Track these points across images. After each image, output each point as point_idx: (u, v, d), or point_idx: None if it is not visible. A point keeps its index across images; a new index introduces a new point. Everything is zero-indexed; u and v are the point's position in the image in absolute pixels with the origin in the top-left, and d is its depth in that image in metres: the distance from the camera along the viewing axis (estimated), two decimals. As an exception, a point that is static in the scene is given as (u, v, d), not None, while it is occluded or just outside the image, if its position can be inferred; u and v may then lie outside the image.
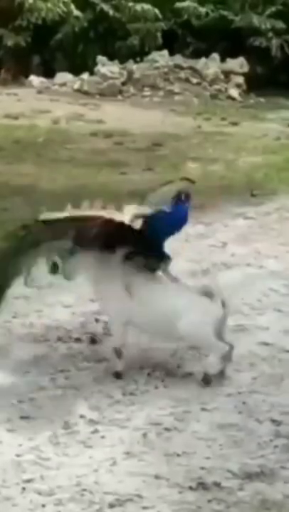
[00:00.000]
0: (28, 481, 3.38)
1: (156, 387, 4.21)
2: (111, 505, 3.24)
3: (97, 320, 4.93)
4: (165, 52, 18.30)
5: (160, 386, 4.23)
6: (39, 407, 3.94)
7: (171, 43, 19.17)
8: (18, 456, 3.55)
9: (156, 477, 3.43)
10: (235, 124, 13.37)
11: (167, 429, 3.80)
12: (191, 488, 3.35)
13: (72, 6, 19.08)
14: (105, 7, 19.38)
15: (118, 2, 19.56)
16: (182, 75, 17.76)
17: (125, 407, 3.99)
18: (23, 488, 3.33)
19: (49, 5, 18.95)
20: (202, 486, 3.36)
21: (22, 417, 3.83)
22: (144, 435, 3.74)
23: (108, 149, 10.74)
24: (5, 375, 4.23)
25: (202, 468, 3.49)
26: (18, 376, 4.24)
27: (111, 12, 19.37)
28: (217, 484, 3.38)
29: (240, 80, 18.08)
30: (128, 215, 4.36)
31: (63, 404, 3.98)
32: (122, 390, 4.17)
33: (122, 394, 4.12)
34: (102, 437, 3.72)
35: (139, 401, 4.06)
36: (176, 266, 5.89)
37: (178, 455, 3.59)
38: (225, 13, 19.44)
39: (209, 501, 3.28)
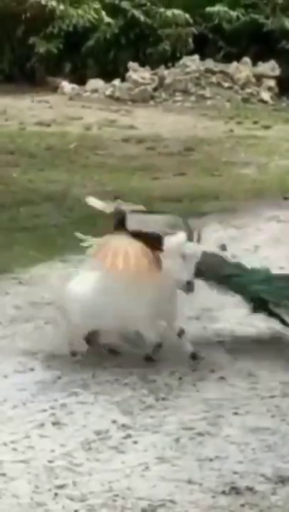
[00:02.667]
0: (61, 486, 3.38)
1: (188, 392, 4.20)
2: (144, 511, 3.22)
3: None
4: (196, 57, 18.26)
5: (192, 390, 4.22)
6: (71, 412, 3.95)
7: (203, 47, 19.13)
8: (50, 461, 3.55)
9: (189, 482, 3.41)
10: (267, 127, 13.31)
11: (200, 434, 3.78)
12: (223, 492, 3.33)
13: (104, 13, 19.12)
14: (136, 13, 19.39)
15: (149, 8, 19.57)
16: (214, 79, 17.71)
17: (157, 412, 3.98)
18: (56, 494, 3.33)
19: (80, 12, 19.01)
20: (235, 490, 3.34)
21: (54, 423, 3.83)
22: (177, 440, 3.73)
23: (140, 154, 10.75)
24: (37, 381, 4.24)
25: (235, 472, 3.47)
26: (49, 382, 4.25)
27: (142, 18, 19.38)
28: (250, 489, 3.35)
29: (272, 83, 18.00)
30: None
31: (95, 409, 3.97)
32: (154, 394, 4.16)
33: (154, 399, 4.11)
34: (135, 442, 3.71)
35: (171, 406, 4.05)
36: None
37: (210, 460, 3.57)
38: (256, 16, 19.36)
39: (242, 506, 3.25)
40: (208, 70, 17.87)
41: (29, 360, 4.49)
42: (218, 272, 4.87)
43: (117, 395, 4.12)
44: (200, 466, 3.53)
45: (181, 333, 4.52)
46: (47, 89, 17.65)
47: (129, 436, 3.76)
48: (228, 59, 18.57)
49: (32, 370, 4.38)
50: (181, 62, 18.20)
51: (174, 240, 4.38)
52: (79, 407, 3.98)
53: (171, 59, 18.70)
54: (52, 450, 3.63)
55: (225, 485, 3.37)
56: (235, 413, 3.96)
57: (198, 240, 4.43)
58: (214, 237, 7.00)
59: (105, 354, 4.54)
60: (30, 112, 14.38)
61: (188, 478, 3.43)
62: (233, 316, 5.19)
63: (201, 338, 4.85)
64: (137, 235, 4.45)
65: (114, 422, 3.87)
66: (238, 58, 18.35)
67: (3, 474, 3.45)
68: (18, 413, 3.95)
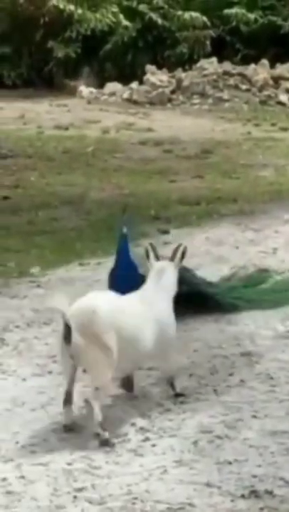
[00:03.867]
0: (80, 489, 3.38)
1: (207, 395, 4.19)
2: (162, 514, 3.22)
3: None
4: (214, 59, 18.24)
5: (211, 393, 4.21)
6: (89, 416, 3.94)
7: (220, 50, 19.12)
8: (69, 464, 3.55)
9: (208, 485, 3.41)
10: (285, 129, 13.26)
11: (218, 437, 3.78)
12: (242, 496, 3.32)
13: (121, 16, 19.13)
14: (154, 16, 19.40)
15: (167, 11, 19.57)
16: (231, 81, 17.68)
17: (176, 415, 3.98)
18: (75, 497, 3.33)
19: (98, 16, 19.03)
20: (254, 494, 3.33)
21: (73, 426, 3.83)
22: (195, 443, 3.73)
23: (157, 157, 10.74)
24: (56, 384, 4.25)
25: (254, 476, 3.46)
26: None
27: (160, 21, 19.38)
28: (269, 492, 3.34)
29: (290, 85, 17.95)
30: None
31: (114, 412, 3.97)
32: (173, 398, 4.15)
33: (172, 402, 4.10)
34: (153, 445, 3.71)
35: (189, 409, 4.04)
36: (226, 273, 5.90)
37: (229, 463, 3.56)
38: (274, 18, 19.33)
39: (261, 509, 3.25)
40: (226, 73, 17.84)
41: (48, 363, 4.50)
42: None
43: (135, 398, 4.11)
44: (219, 469, 3.53)
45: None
46: (65, 93, 17.69)
47: (147, 439, 3.76)
48: (245, 61, 18.54)
49: (50, 373, 4.39)
50: (198, 64, 18.18)
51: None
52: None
53: (188, 61, 18.69)
54: (71, 453, 3.64)
55: (244, 488, 3.37)
56: (254, 416, 3.95)
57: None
58: (231, 240, 7.00)
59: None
60: (48, 115, 14.41)
61: (206, 482, 3.43)
62: (251, 318, 5.18)
63: (218, 342, 4.85)
64: None
65: (132, 425, 3.87)
66: (255, 60, 18.31)
67: (23, 477, 3.46)
68: (37, 416, 3.96)
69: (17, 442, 3.72)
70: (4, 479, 3.44)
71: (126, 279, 4.46)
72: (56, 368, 4.37)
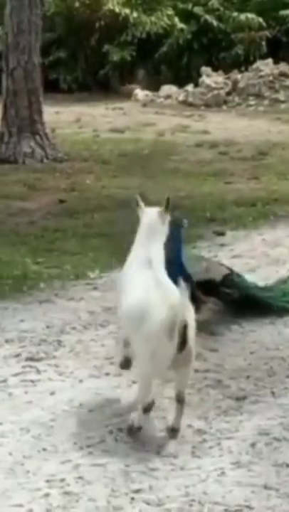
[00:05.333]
0: (137, 491, 3.38)
1: (264, 397, 4.17)
2: (220, 516, 3.21)
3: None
4: (270, 60, 18.15)
5: (268, 396, 4.18)
6: (146, 417, 3.95)
7: (276, 50, 19.02)
8: (126, 465, 3.56)
9: (266, 487, 3.39)
10: None
11: (276, 439, 3.75)
12: (301, 499, 3.30)
13: (176, 19, 19.16)
14: (209, 18, 19.37)
15: (222, 12, 19.53)
16: (287, 82, 17.58)
17: (233, 417, 3.96)
18: (132, 498, 3.34)
19: (153, 19, 19.08)
20: (312, 497, 3.30)
21: (130, 428, 3.84)
22: (253, 445, 3.71)
23: (213, 159, 10.72)
24: (113, 386, 4.26)
25: (312, 479, 3.43)
26: (125, 386, 4.26)
27: (215, 23, 19.35)
28: None
29: None
30: None
31: (171, 414, 3.96)
32: (230, 399, 4.14)
33: (229, 404, 4.09)
34: (210, 447, 3.70)
35: (247, 411, 4.02)
36: (282, 274, 5.85)
37: (287, 465, 3.54)
38: None
39: None
40: (282, 74, 17.74)
41: (104, 365, 4.51)
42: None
43: (192, 400, 4.11)
44: (277, 471, 3.50)
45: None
46: (120, 97, 17.76)
47: (204, 441, 3.75)
48: (302, 62, 18.41)
49: (107, 374, 4.41)
50: (254, 66, 18.11)
51: None
52: (155, 413, 3.98)
53: (244, 63, 18.64)
54: (127, 454, 3.64)
55: (302, 491, 3.34)
56: (312, 418, 3.92)
57: None
58: (288, 241, 6.95)
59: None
60: (104, 119, 14.48)
61: (264, 484, 3.41)
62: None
63: (275, 343, 4.82)
64: None
65: (189, 426, 3.87)
66: (312, 61, 18.18)
67: (80, 478, 3.48)
68: (93, 417, 3.98)
69: (75, 443, 3.74)
70: (62, 480, 3.46)
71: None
72: (113, 369, 4.39)
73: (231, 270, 5.30)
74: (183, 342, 3.61)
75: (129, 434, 3.75)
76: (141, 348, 3.72)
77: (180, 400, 3.78)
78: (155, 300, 3.70)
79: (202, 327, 4.99)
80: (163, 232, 4.09)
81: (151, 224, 4.08)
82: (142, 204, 4.16)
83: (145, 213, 4.15)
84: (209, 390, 4.24)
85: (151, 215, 4.12)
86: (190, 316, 3.68)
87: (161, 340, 3.61)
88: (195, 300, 4.93)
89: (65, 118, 14.36)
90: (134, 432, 3.74)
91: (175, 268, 4.44)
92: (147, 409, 3.77)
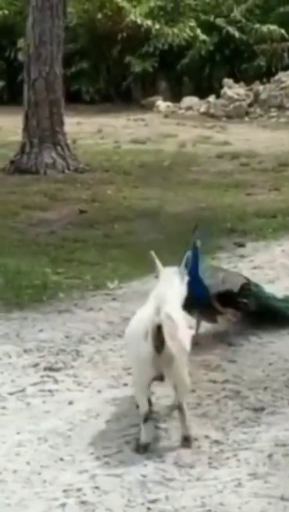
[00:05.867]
0: (153, 501, 3.38)
1: (282, 408, 4.16)
2: (236, 527, 3.21)
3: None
4: (292, 72, 18.16)
5: (286, 407, 4.17)
6: (164, 429, 3.95)
7: (298, 62, 19.02)
8: (143, 476, 3.56)
9: (283, 499, 3.38)
10: None
11: (294, 451, 3.74)
12: None
13: (199, 30, 19.19)
14: (231, 29, 19.39)
15: (244, 24, 19.54)
16: (309, 94, 17.58)
17: (251, 428, 3.95)
18: (148, 508, 3.34)
19: (175, 30, 19.12)
20: None
21: (137, 446, 3.83)
22: (270, 456, 3.70)
23: (234, 171, 10.72)
24: (130, 396, 4.27)
25: None
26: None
27: (237, 34, 19.36)
28: None
29: None
30: None
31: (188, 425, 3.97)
32: (248, 410, 4.13)
33: (247, 415, 4.08)
34: (227, 458, 3.70)
35: (264, 422, 4.02)
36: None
37: (304, 477, 3.53)
38: None
39: None
40: (304, 85, 17.72)
41: (122, 375, 4.52)
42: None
43: (210, 411, 4.11)
44: (294, 483, 3.49)
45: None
46: (142, 108, 17.81)
47: (221, 451, 3.75)
48: None
49: (125, 385, 4.41)
50: (276, 77, 18.09)
51: None
52: (172, 424, 3.98)
53: (266, 74, 18.62)
54: (144, 464, 3.64)
55: None
56: None
57: None
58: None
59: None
60: (125, 130, 14.52)
61: (281, 495, 3.40)
62: None
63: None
64: None
65: (206, 437, 3.86)
66: None
67: (97, 487, 3.48)
68: (111, 428, 3.98)
69: (91, 453, 3.75)
70: (79, 489, 3.47)
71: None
72: (130, 380, 4.39)
73: (248, 280, 5.30)
74: (160, 343, 3.63)
75: (138, 452, 3.73)
76: (127, 353, 3.89)
77: (180, 408, 3.79)
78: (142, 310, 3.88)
79: (221, 338, 5.04)
80: (181, 291, 4.14)
81: (169, 284, 4.07)
82: (159, 265, 4.13)
83: (163, 273, 4.13)
84: (227, 400, 4.23)
85: (170, 275, 4.12)
86: (171, 316, 3.72)
87: (139, 341, 3.70)
88: (213, 311, 4.97)
89: (86, 129, 14.41)
90: (142, 449, 3.73)
91: (192, 281, 4.46)
92: (146, 418, 3.75)
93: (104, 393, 4.34)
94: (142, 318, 3.80)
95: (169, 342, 3.64)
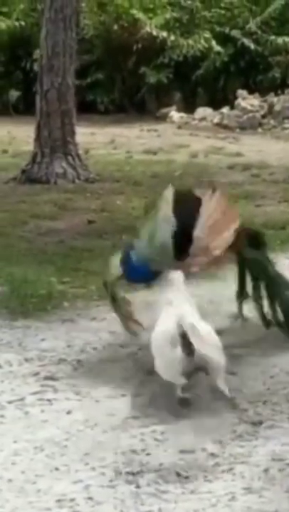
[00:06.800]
0: (147, 513, 3.37)
1: (281, 423, 4.13)
2: None
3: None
4: (306, 83, 18.16)
5: (285, 421, 4.15)
6: (161, 439, 3.94)
7: (313, 74, 19.01)
8: (137, 487, 3.55)
9: (276, 514, 3.35)
10: None
11: (290, 465, 3.72)
12: (311, 526, 3.26)
13: (214, 42, 19.22)
14: (246, 41, 19.42)
15: (259, 36, 19.56)
16: None
17: (248, 442, 3.93)
18: (141, 521, 3.33)
19: (190, 42, 19.16)
20: None
21: (143, 450, 3.83)
22: (266, 471, 3.67)
23: (245, 182, 10.71)
24: (128, 407, 4.26)
25: None
26: (141, 408, 4.25)
27: (252, 46, 19.38)
28: None
29: None
30: None
31: (185, 437, 3.96)
32: (246, 424, 4.11)
33: (245, 428, 4.06)
34: (223, 471, 3.68)
35: (262, 435, 3.99)
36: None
37: (299, 492, 3.50)
38: None
39: None
40: None
41: (121, 386, 4.51)
42: None
43: (207, 423, 4.09)
44: None
45: None
46: (156, 118, 17.84)
47: (217, 464, 3.73)
48: None
49: (123, 395, 4.40)
50: (290, 89, 18.10)
51: None
52: (169, 436, 3.97)
53: (281, 86, 18.62)
54: (139, 476, 3.63)
55: (313, 518, 3.30)
56: None
57: None
58: None
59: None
60: (138, 140, 14.55)
61: (275, 510, 3.37)
62: None
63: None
64: None
65: (203, 450, 3.85)
66: None
67: (90, 498, 3.47)
68: (108, 438, 3.97)
69: (87, 463, 3.74)
70: (72, 500, 3.46)
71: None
72: (129, 390, 4.39)
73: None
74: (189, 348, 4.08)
75: (182, 407, 4.17)
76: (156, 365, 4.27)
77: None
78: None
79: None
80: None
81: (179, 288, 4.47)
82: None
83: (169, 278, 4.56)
84: (225, 413, 4.21)
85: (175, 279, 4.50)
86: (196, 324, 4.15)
87: (165, 348, 4.17)
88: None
89: (99, 139, 14.45)
90: (184, 404, 4.16)
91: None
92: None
93: (102, 403, 4.34)
94: (166, 329, 4.17)
95: (197, 345, 4.06)
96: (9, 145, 13.99)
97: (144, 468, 3.69)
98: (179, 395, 4.15)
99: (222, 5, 19.80)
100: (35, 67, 15.82)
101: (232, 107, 17.67)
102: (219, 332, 5.14)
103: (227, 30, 19.52)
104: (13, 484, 3.60)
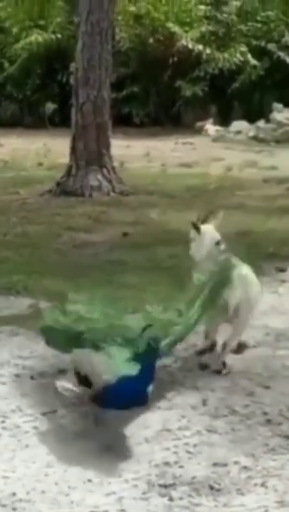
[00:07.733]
0: (179, 526, 3.37)
1: (314, 436, 4.12)
2: None
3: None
4: None
5: None
6: (193, 452, 3.94)
7: None
8: (170, 500, 3.55)
9: (309, 528, 3.34)
10: None
11: None
12: None
13: (249, 55, 19.24)
14: (282, 55, 19.42)
15: (295, 49, 19.56)
16: None
17: (281, 455, 3.92)
18: (173, 533, 3.33)
19: (226, 55, 19.21)
20: None
21: (175, 462, 3.84)
22: (299, 484, 3.66)
23: (280, 195, 10.69)
24: (162, 420, 4.26)
25: None
26: (174, 421, 4.26)
27: (288, 59, 19.37)
28: None
29: None
30: None
31: (218, 450, 3.96)
32: (279, 437, 4.10)
33: (278, 442, 4.05)
34: (255, 485, 3.67)
35: (295, 449, 3.98)
36: None
37: None
38: None
39: None
40: None
41: (154, 398, 4.51)
42: None
43: (241, 436, 4.09)
44: None
45: None
46: (192, 132, 17.89)
47: (250, 478, 3.72)
48: None
49: (159, 408, 4.41)
50: None
51: None
52: (202, 448, 3.97)
53: (316, 99, 18.60)
54: (172, 488, 3.63)
55: None
56: None
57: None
58: None
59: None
60: (173, 153, 14.59)
61: (307, 524, 3.37)
62: None
63: None
64: None
65: (236, 463, 3.84)
66: None
67: (123, 510, 3.48)
68: (141, 450, 3.98)
69: (119, 476, 3.75)
70: (105, 512, 3.47)
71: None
72: (164, 405, 4.38)
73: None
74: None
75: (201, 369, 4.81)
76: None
77: (225, 345, 4.88)
78: None
79: (255, 364, 5.02)
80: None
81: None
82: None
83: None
84: (259, 427, 4.21)
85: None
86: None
87: None
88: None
89: (135, 152, 14.51)
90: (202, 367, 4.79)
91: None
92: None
93: (136, 416, 4.34)
94: None
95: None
96: (45, 157, 14.11)
97: (177, 480, 3.69)
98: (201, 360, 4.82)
99: (258, 18, 19.85)
100: (71, 80, 15.97)
101: (267, 121, 17.67)
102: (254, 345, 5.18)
103: (263, 43, 19.56)
104: (46, 496, 3.61)
